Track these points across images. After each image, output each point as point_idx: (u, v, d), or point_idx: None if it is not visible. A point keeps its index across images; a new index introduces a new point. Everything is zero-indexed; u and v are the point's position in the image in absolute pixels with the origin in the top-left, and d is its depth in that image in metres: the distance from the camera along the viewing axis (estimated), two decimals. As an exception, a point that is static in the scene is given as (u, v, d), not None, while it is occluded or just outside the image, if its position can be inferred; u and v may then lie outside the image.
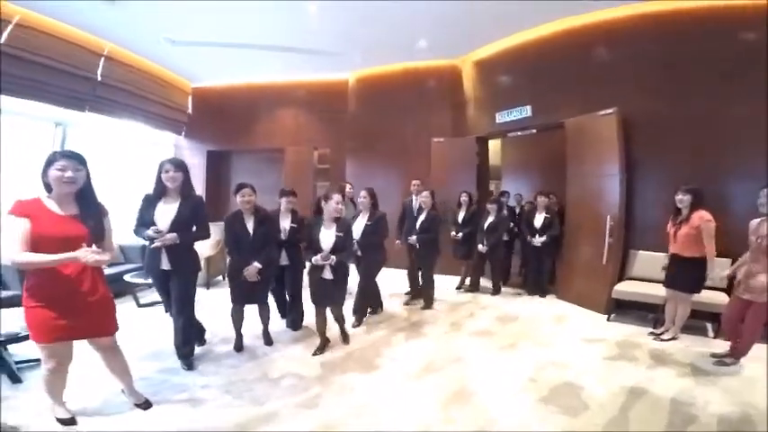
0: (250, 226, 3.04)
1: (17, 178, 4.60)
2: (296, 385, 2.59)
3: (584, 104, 4.67)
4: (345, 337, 3.39)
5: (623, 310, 4.20)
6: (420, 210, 4.61)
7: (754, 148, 3.69)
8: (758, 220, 2.81)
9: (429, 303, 4.50)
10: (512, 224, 5.47)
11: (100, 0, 4.30)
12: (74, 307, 1.92)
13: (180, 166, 2.64)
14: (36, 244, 1.78)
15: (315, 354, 3.11)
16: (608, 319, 4.12)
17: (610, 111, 4.31)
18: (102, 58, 5.51)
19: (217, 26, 5.14)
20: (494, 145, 7.88)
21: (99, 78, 5.49)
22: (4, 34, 4.31)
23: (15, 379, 2.51)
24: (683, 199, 3.30)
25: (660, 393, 2.51)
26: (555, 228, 4.89)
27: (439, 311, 4.38)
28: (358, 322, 3.84)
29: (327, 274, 2.98)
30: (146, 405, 2.28)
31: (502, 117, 5.79)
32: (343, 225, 3.08)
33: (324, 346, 3.20)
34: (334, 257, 2.92)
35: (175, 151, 7.36)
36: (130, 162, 6.43)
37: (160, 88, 6.70)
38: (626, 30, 4.51)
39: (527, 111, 5.47)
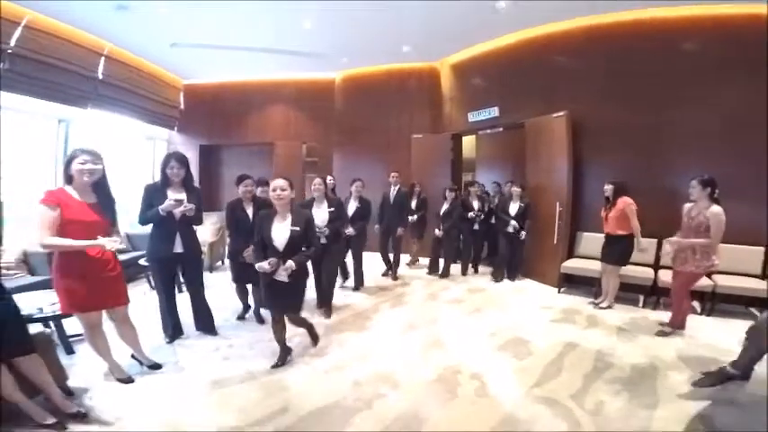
0: (250, 212, 3.45)
1: (20, 172, 4.97)
2: (304, 342, 3.21)
3: (543, 107, 5.35)
4: (315, 339, 3.12)
5: (572, 283, 5.02)
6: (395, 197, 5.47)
7: (689, 147, 4.51)
8: (689, 204, 3.41)
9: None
10: (480, 213, 5.76)
11: (110, 0, 4.64)
12: (98, 282, 2.31)
13: (184, 161, 2.98)
14: (65, 227, 2.11)
15: (275, 366, 2.76)
16: (558, 292, 4.92)
17: (561, 113, 5.04)
18: (103, 58, 5.85)
19: (214, 29, 5.54)
20: (469, 140, 8.61)
21: (100, 77, 5.84)
22: (14, 36, 4.60)
23: (69, 350, 2.95)
24: (607, 188, 4.13)
25: (589, 347, 3.21)
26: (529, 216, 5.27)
27: (417, 287, 5.10)
28: (328, 314, 3.85)
29: (282, 276, 2.55)
30: (156, 366, 2.71)
31: (473, 116, 6.48)
32: (300, 218, 2.65)
33: (285, 356, 2.86)
34: (292, 264, 2.50)
35: (168, 146, 7.73)
36: (127, 156, 6.81)
37: (154, 85, 7.04)
38: (579, 40, 5.20)
39: (495, 111, 6.17)
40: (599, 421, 2.14)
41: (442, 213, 5.56)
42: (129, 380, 2.54)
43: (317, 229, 3.47)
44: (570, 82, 5.30)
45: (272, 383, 2.45)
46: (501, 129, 6.40)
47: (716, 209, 3.11)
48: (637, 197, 4.04)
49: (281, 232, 2.59)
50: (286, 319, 2.79)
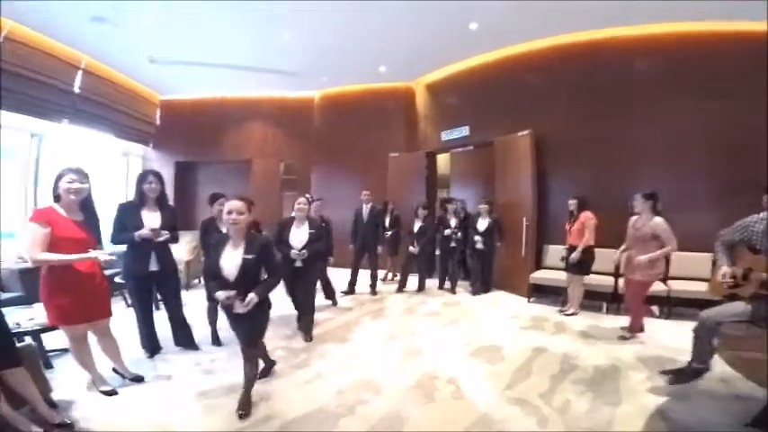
0: (224, 230, 3.41)
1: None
2: (287, 355, 3.30)
3: (510, 125, 5.70)
4: (266, 371, 2.89)
5: (542, 293, 5.30)
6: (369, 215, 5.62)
7: (641, 162, 4.95)
8: (635, 216, 3.72)
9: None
10: (457, 230, 5.84)
11: (93, 21, 4.71)
12: (85, 295, 2.39)
13: (160, 177, 3.05)
14: (55, 244, 2.21)
15: (257, 378, 2.60)
16: (528, 301, 5.20)
17: (525, 132, 5.40)
18: (80, 71, 5.83)
19: (194, 45, 5.65)
20: (445, 157, 8.96)
21: (77, 91, 5.80)
22: None
23: (48, 365, 2.91)
24: (571, 203, 4.47)
25: (555, 351, 3.44)
26: (498, 232, 5.50)
27: (395, 301, 5.26)
28: (308, 338, 3.68)
29: (240, 309, 2.24)
30: (139, 379, 2.74)
31: (446, 135, 6.83)
32: (255, 245, 2.30)
33: (268, 369, 2.89)
34: (253, 297, 2.21)
35: (143, 162, 7.65)
36: (101, 172, 6.70)
37: (130, 100, 7.04)
38: (544, 60, 5.63)
39: (466, 130, 6.53)
40: (566, 419, 2.33)
41: (416, 231, 5.73)
42: (112, 392, 2.55)
43: (295, 252, 3.52)
44: (535, 100, 5.70)
45: (255, 394, 2.51)
46: (471, 147, 6.75)
47: (658, 219, 3.44)
48: (597, 210, 4.38)
49: (231, 260, 2.27)
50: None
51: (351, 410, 2.41)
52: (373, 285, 5.64)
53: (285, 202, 7.39)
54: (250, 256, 2.26)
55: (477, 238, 5.50)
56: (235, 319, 2.35)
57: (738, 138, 4.42)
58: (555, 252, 5.31)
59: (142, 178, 3.04)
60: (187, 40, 5.50)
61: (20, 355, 2.01)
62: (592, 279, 4.60)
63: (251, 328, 2.38)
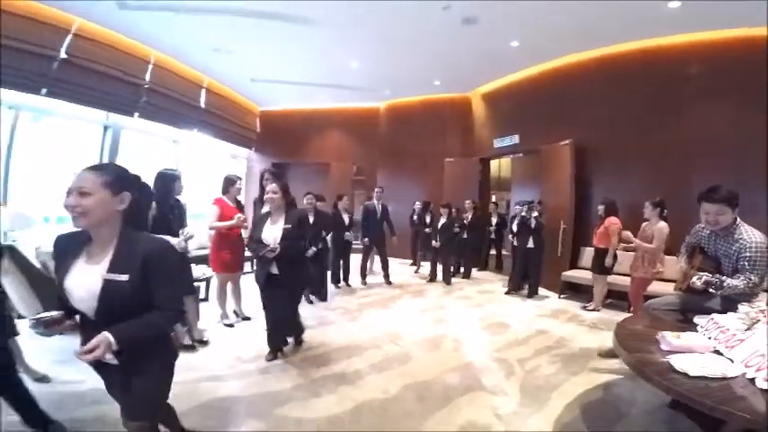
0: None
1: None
2: (344, 312, 4.54)
3: (555, 134, 6.18)
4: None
5: (575, 291, 5.79)
6: (382, 211, 6.23)
7: (669, 168, 5.21)
8: (646, 222, 4.17)
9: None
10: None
11: (214, 51, 6.37)
12: (237, 253, 3.84)
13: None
14: (222, 219, 3.66)
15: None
16: (559, 297, 5.74)
17: (566, 142, 5.90)
18: (204, 90, 7.70)
19: (283, 67, 7.14)
20: (505, 162, 9.56)
21: (203, 106, 7.71)
22: (64, 44, 5.12)
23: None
24: (599, 208, 4.94)
25: (555, 334, 4.05)
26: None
27: (435, 286, 6.21)
28: (272, 355, 3.16)
29: (110, 359, 1.35)
30: (247, 318, 4.07)
31: (498, 142, 7.48)
32: (133, 259, 1.36)
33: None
34: (108, 340, 1.26)
35: (247, 163, 9.55)
36: (215, 170, 8.66)
37: (238, 112, 8.91)
38: (584, 71, 6.06)
39: (516, 138, 7.13)
40: (527, 375, 3.02)
41: (439, 227, 6.40)
42: (231, 325, 3.94)
43: (268, 249, 2.86)
44: (580, 110, 6.10)
45: (320, 329, 3.78)
46: (521, 154, 7.33)
47: (661, 224, 3.90)
48: (634, 215, 4.66)
49: (86, 283, 1.35)
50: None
51: (377, 347, 3.50)
52: (387, 276, 6.26)
53: (356, 199, 8.71)
54: (122, 278, 1.40)
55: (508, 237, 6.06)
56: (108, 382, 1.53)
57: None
58: (590, 254, 5.76)
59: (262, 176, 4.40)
60: (278, 64, 7.00)
61: (195, 288, 3.46)
62: (618, 280, 5.03)
63: (131, 393, 1.42)
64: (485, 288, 6.19)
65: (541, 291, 6.09)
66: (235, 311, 4.14)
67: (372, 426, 2.26)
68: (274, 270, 2.99)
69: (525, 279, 5.89)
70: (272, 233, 2.97)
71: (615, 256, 4.80)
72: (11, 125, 4.92)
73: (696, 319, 2.23)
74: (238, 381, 2.76)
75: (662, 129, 5.33)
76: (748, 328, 1.82)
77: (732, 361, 1.64)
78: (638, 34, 5.31)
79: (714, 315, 2.09)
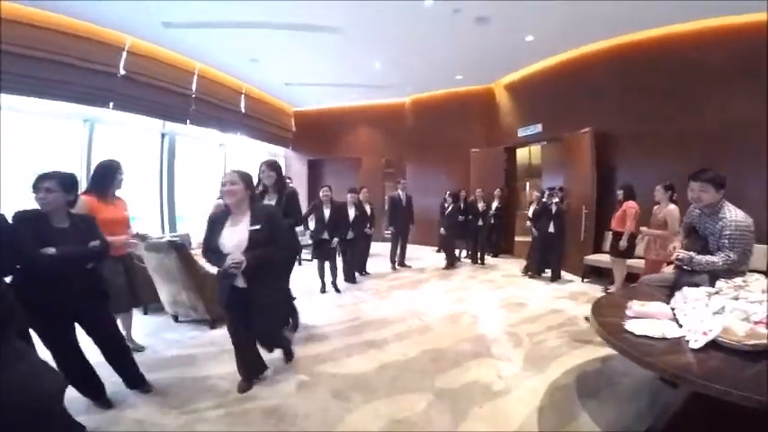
0: (327, 211, 5.05)
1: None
2: (374, 293, 5.10)
3: (576, 121, 6.31)
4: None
5: (598, 275, 5.96)
6: (406, 201, 6.67)
7: (686, 153, 5.26)
8: (657, 206, 4.33)
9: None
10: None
11: (248, 60, 7.01)
12: None
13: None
14: None
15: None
16: (582, 281, 5.95)
17: (586, 129, 6.04)
18: (243, 95, 8.43)
19: (314, 71, 7.69)
20: (536, 150, 9.67)
21: (243, 111, 8.45)
22: (121, 61, 5.77)
23: None
24: (618, 192, 5.10)
25: (569, 314, 4.32)
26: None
27: (461, 271, 6.61)
28: (246, 384, 2.63)
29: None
30: (338, 290, 4.94)
31: (522, 131, 7.67)
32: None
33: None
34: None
35: (285, 161, 10.28)
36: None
37: (275, 113, 9.60)
38: (603, 60, 6.14)
39: (539, 127, 7.30)
40: (533, 346, 3.39)
41: (445, 214, 6.77)
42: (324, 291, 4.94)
43: (231, 261, 2.25)
44: (601, 98, 6.20)
45: (353, 306, 4.42)
46: (545, 142, 7.48)
47: (671, 207, 4.09)
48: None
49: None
50: None
51: (402, 321, 4.01)
52: (403, 260, 6.86)
53: (387, 191, 9.20)
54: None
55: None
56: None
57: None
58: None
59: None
60: (309, 69, 7.54)
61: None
62: (639, 263, 5.17)
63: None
64: (510, 272, 6.52)
65: (566, 275, 6.33)
66: (332, 283, 5.09)
67: (392, 379, 2.77)
68: (241, 283, 2.39)
69: (545, 264, 6.14)
70: (235, 237, 2.35)
71: (632, 239, 4.98)
72: (87, 137, 5.81)
73: (676, 293, 2.53)
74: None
75: (681, 115, 5.38)
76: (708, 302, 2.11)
77: (681, 326, 1.97)
78: (650, 23, 5.36)
79: (685, 288, 2.39)
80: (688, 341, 1.79)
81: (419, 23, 5.52)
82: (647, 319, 2.04)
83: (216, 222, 2.44)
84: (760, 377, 1.44)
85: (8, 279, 2.00)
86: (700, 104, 5.24)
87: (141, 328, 3.63)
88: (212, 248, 2.38)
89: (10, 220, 2.03)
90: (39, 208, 2.13)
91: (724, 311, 1.93)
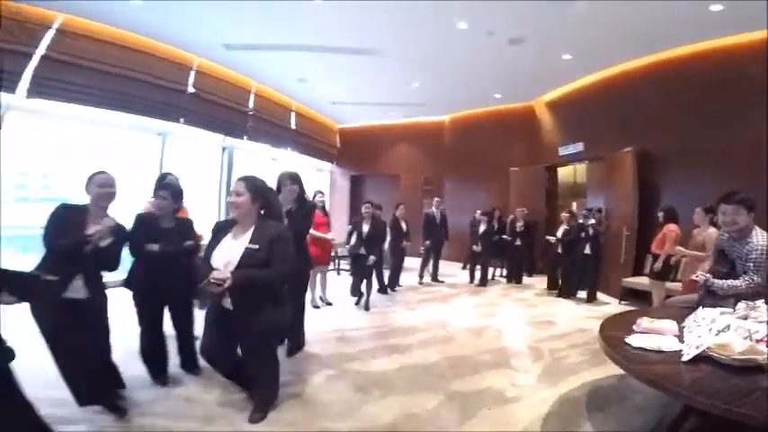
0: (366, 226, 5.25)
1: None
2: (405, 304, 5.33)
3: (619, 141, 6.21)
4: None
5: (637, 298, 5.77)
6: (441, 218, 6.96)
7: (731, 172, 5.03)
8: (697, 229, 4.27)
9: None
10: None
11: (296, 80, 7.64)
12: (323, 249, 4.78)
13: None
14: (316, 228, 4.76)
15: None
16: (619, 303, 5.78)
17: (628, 149, 5.94)
18: (293, 113, 9.12)
19: (357, 91, 8.22)
20: (581, 168, 9.50)
21: (293, 127, 9.13)
22: (190, 79, 6.72)
23: None
24: (659, 215, 4.98)
25: (594, 332, 4.22)
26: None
27: (493, 288, 6.65)
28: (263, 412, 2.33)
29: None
30: (329, 304, 5.11)
31: (563, 150, 7.63)
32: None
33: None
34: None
35: (330, 176, 10.86)
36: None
37: (322, 130, 10.26)
38: (643, 78, 6.06)
39: (580, 146, 7.23)
40: (554, 362, 3.43)
41: (480, 233, 6.78)
42: (317, 307, 4.98)
43: (212, 279, 1.99)
44: (644, 116, 6.08)
45: (383, 315, 4.65)
46: (587, 161, 7.37)
47: (711, 230, 3.96)
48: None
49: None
50: None
51: (428, 330, 4.20)
52: (435, 275, 7.01)
53: (425, 208, 9.41)
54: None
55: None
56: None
57: None
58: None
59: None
60: (353, 88, 8.08)
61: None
62: (678, 286, 5.00)
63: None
64: (543, 292, 6.46)
65: (603, 297, 6.18)
66: (320, 297, 5.18)
67: (410, 379, 2.98)
68: (227, 304, 2.14)
69: (578, 285, 6.05)
70: (228, 253, 2.13)
71: (668, 262, 4.82)
72: (160, 149, 6.62)
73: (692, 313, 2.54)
74: (320, 344, 3.68)
75: (725, 132, 5.18)
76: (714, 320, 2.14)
77: (683, 342, 2.02)
78: (688, 38, 5.31)
79: (701, 308, 2.41)
80: (682, 354, 1.87)
81: (455, 45, 5.84)
82: (650, 334, 2.12)
83: (219, 231, 2.26)
84: (739, 389, 1.51)
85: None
86: (744, 120, 5.03)
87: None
88: (205, 257, 2.20)
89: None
90: (154, 211, 2.71)
91: (729, 329, 1.97)
